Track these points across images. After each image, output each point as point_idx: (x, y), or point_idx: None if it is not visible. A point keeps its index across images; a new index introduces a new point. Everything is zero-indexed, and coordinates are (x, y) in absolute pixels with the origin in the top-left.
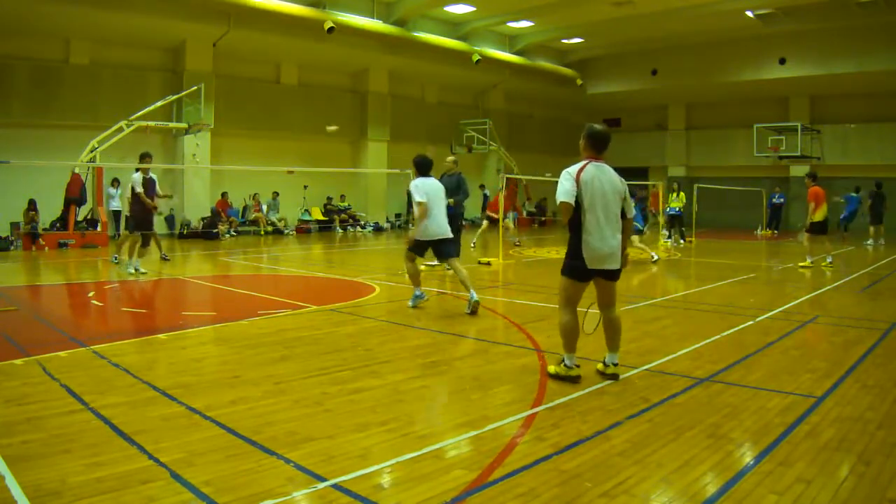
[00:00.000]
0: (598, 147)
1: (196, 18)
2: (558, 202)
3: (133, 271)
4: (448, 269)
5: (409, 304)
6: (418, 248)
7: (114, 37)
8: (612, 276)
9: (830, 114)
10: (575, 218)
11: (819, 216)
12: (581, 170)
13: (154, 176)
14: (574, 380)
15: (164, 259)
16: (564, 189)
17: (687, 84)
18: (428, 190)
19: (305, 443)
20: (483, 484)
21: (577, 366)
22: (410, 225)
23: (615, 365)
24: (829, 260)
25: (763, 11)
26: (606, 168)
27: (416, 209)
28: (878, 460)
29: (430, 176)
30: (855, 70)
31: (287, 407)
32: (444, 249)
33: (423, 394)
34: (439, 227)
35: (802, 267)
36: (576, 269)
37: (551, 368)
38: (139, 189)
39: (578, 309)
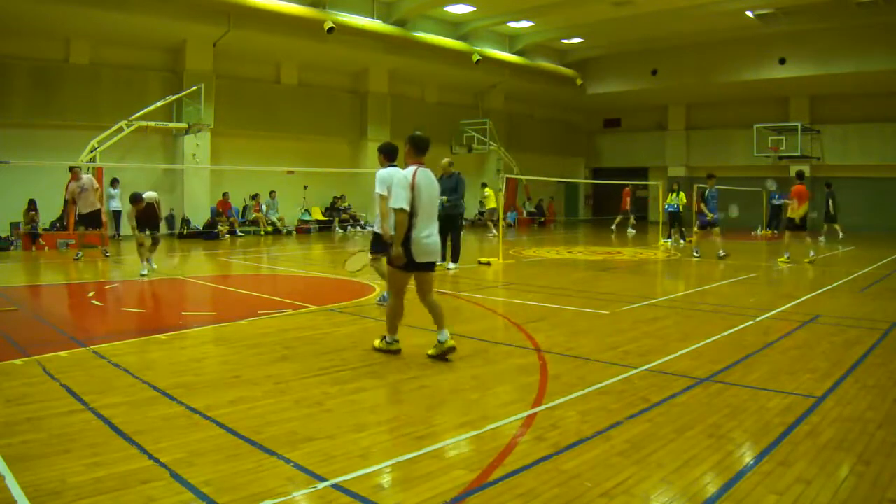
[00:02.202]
0: (421, 152)
1: (196, 18)
2: (395, 208)
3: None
4: (449, 269)
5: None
6: (382, 248)
7: (114, 37)
8: (433, 267)
9: (830, 114)
10: (407, 220)
11: (799, 214)
12: (414, 175)
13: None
14: (396, 352)
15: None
16: (402, 196)
17: (687, 84)
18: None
19: (305, 443)
20: (483, 484)
21: (397, 341)
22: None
23: (448, 339)
24: (812, 254)
25: (763, 11)
26: (428, 171)
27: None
28: (878, 460)
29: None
30: (855, 70)
31: (287, 407)
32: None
33: (423, 394)
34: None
35: (782, 262)
36: (408, 262)
37: (376, 343)
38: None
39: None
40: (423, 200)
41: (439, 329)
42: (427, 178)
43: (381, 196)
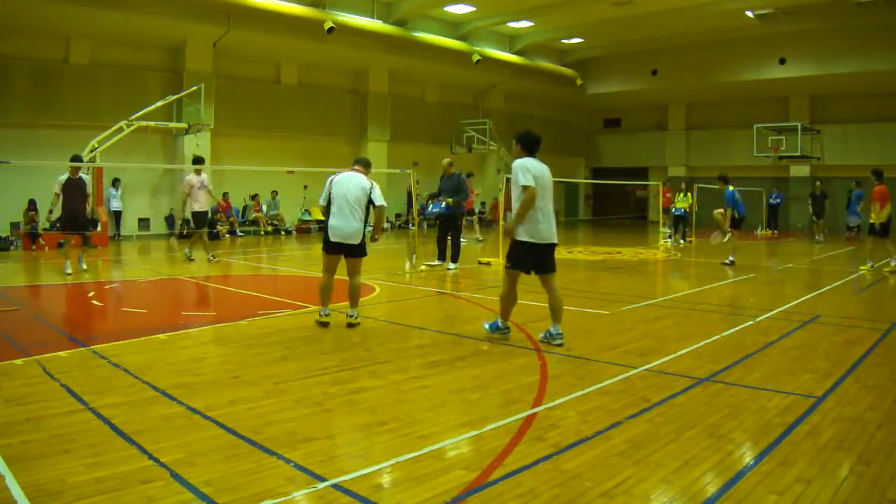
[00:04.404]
0: (355, 163)
1: (196, 18)
2: (321, 204)
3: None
4: (449, 269)
5: (487, 327)
6: (521, 261)
7: (114, 37)
8: (353, 251)
9: (830, 114)
10: (327, 209)
11: (883, 217)
12: (332, 180)
13: (84, 177)
14: (325, 325)
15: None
16: (324, 194)
17: (687, 84)
18: (537, 174)
19: (305, 443)
20: (483, 484)
21: (328, 314)
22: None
23: (353, 317)
24: (893, 263)
25: (763, 11)
26: (354, 174)
27: (515, 199)
28: (878, 460)
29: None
30: (855, 70)
31: (287, 407)
32: (549, 261)
33: (423, 394)
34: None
35: (864, 270)
36: (326, 244)
37: (318, 320)
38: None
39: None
40: (339, 194)
41: (352, 307)
42: (347, 177)
43: (524, 187)
